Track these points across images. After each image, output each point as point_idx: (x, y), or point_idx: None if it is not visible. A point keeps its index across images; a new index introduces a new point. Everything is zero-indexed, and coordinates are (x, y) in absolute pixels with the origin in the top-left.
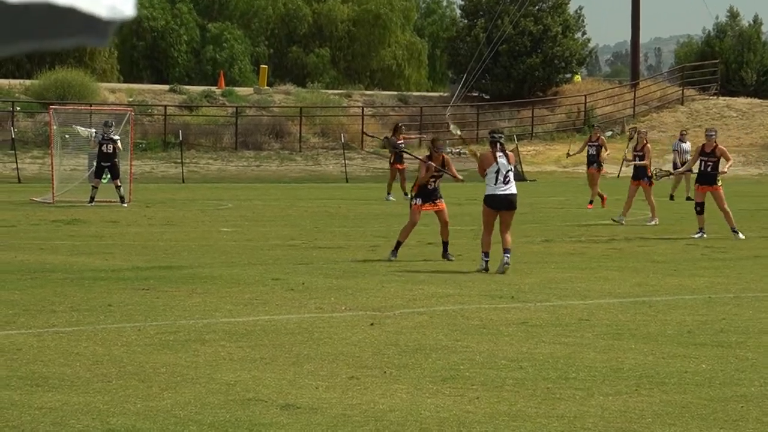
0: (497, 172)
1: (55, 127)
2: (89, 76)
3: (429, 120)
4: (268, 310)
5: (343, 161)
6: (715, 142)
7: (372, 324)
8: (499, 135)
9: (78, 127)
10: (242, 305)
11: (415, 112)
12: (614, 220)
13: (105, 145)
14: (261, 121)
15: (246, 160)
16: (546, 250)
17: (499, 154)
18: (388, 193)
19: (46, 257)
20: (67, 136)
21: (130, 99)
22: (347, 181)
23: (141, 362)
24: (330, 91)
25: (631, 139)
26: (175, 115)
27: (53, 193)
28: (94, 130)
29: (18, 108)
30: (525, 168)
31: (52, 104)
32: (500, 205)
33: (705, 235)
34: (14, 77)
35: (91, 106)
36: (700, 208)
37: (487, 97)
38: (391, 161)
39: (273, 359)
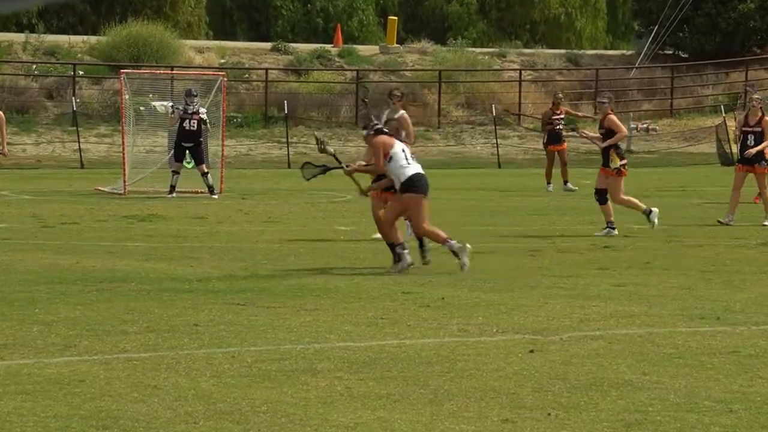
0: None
1: (127, 97)
2: (170, 31)
3: (607, 86)
4: (397, 332)
5: (494, 140)
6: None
7: (532, 351)
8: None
9: (154, 103)
10: (364, 326)
11: (589, 77)
12: None
13: (188, 121)
14: (388, 89)
15: None
16: (764, 256)
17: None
18: (548, 183)
19: (115, 263)
20: (142, 108)
21: (222, 61)
22: (500, 166)
23: (235, 398)
24: (478, 50)
25: None
26: (279, 81)
27: (124, 182)
28: (171, 103)
29: (81, 72)
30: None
31: (124, 68)
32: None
33: None
34: (76, 33)
35: (172, 69)
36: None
37: (685, 55)
38: (545, 142)
39: (404, 396)
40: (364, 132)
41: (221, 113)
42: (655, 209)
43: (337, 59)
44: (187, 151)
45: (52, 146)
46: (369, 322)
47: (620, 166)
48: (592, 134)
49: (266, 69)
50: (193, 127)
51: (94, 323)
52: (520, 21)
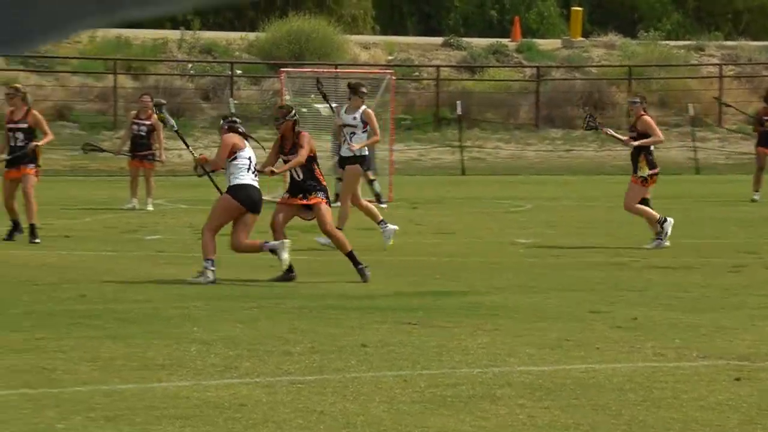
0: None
1: (287, 98)
2: (334, 26)
3: None
4: (584, 356)
5: (691, 143)
6: None
7: (738, 379)
8: (239, 122)
9: (317, 105)
10: (548, 348)
11: None
12: None
13: None
14: (573, 87)
15: (551, 142)
16: None
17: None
18: (756, 190)
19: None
20: (304, 109)
21: (390, 57)
22: (698, 172)
23: (407, 426)
24: (672, 43)
25: None
26: (452, 79)
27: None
28: (334, 104)
29: (238, 71)
30: None
31: (284, 66)
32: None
33: None
34: (233, 29)
35: (336, 67)
36: None
37: None
38: (757, 144)
39: (593, 427)
40: (221, 122)
41: (389, 115)
42: (670, 219)
43: (515, 55)
44: None
45: (209, 151)
46: (553, 344)
47: (648, 175)
48: (618, 134)
49: (437, 66)
50: None
51: (255, 343)
52: (721, 10)
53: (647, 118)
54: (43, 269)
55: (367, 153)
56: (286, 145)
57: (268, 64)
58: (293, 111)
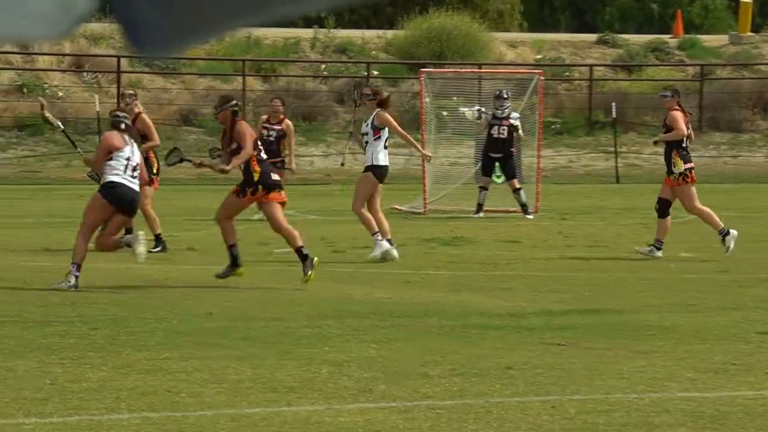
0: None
1: (427, 100)
2: (478, 22)
3: None
4: (753, 381)
5: None
6: None
7: None
8: (123, 116)
9: (463, 109)
10: (711, 372)
11: None
12: None
13: (497, 128)
14: (740, 87)
15: (715, 147)
16: None
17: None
18: None
19: (414, 294)
20: (444, 113)
21: (539, 56)
22: None
23: None
24: None
25: None
26: (606, 79)
27: (424, 199)
28: (477, 107)
29: (375, 72)
30: None
31: (424, 66)
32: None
33: None
34: (369, 27)
35: (480, 67)
36: None
37: None
38: None
39: None
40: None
41: (537, 118)
42: (733, 231)
43: (676, 52)
44: (497, 164)
45: (342, 158)
46: (717, 368)
47: (685, 170)
48: (663, 136)
49: (590, 65)
50: (503, 134)
51: (391, 364)
52: None
53: (675, 113)
54: (168, 284)
55: (385, 163)
56: (227, 138)
57: (407, 64)
58: (233, 101)
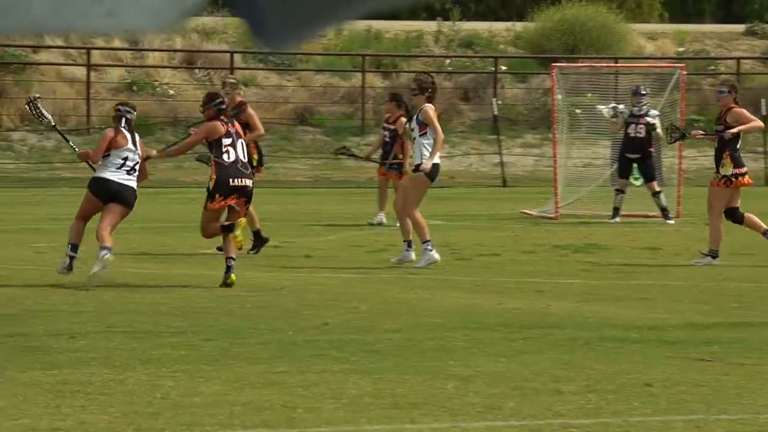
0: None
1: (559, 97)
2: (614, 13)
3: None
4: None
5: None
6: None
7: None
8: (126, 109)
9: (598, 106)
10: None
11: None
12: None
13: (634, 127)
14: None
15: None
16: None
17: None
18: None
19: (545, 305)
20: (578, 111)
21: (681, 49)
22: None
23: None
24: None
25: None
26: (755, 73)
27: (556, 203)
28: (613, 105)
29: (503, 67)
30: None
31: (556, 60)
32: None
33: None
34: (497, 19)
35: (616, 62)
36: None
37: None
38: None
39: None
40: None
41: (678, 116)
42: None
43: None
44: (634, 165)
45: (468, 159)
46: None
47: (732, 175)
48: (704, 133)
49: (737, 58)
50: (641, 133)
51: (520, 380)
52: None
53: (739, 109)
54: (282, 293)
55: (435, 162)
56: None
57: (538, 58)
58: (218, 99)
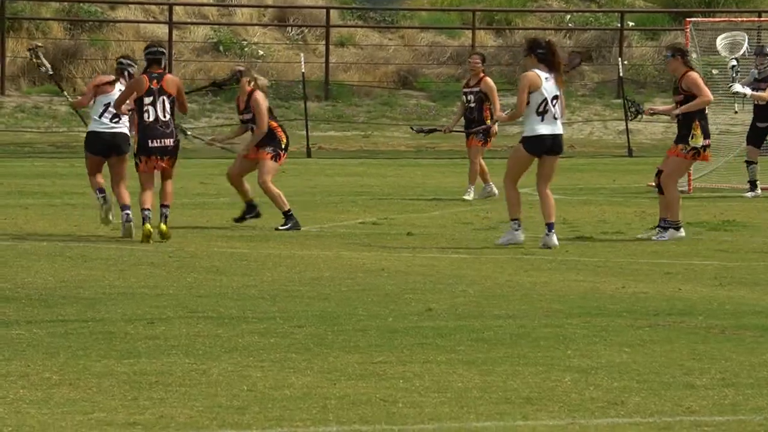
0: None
1: (694, 56)
2: None
3: None
4: None
5: None
6: None
7: None
8: (128, 62)
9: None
10: None
11: None
12: None
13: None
14: None
15: None
16: None
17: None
18: None
19: (676, 289)
20: (714, 71)
21: None
22: None
23: None
24: None
25: None
26: None
27: (689, 176)
28: (734, 64)
29: (630, 23)
30: None
31: (690, 15)
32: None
33: None
34: None
35: (759, 16)
36: None
37: None
38: None
39: None
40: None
41: None
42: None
43: None
44: None
45: (589, 126)
46: None
47: (702, 146)
48: (662, 108)
49: None
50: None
51: (647, 372)
52: None
53: (693, 74)
54: (382, 275)
55: (538, 133)
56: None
57: (670, 12)
58: (151, 48)
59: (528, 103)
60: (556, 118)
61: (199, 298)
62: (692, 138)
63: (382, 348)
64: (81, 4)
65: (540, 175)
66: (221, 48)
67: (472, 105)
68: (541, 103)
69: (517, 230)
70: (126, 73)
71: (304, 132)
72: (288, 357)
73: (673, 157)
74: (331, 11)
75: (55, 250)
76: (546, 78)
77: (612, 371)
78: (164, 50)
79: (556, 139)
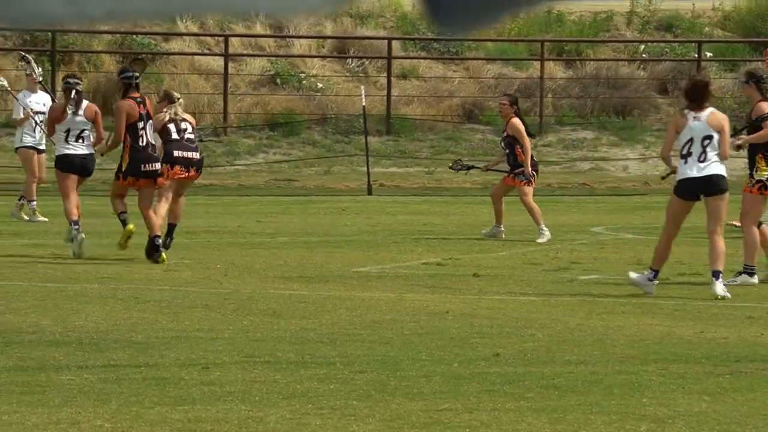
0: (67, 131)
1: None
2: None
3: None
4: None
5: None
6: None
7: None
8: (75, 81)
9: None
10: None
11: None
12: None
13: None
14: None
15: None
16: None
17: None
18: None
19: (759, 333)
20: None
21: None
22: None
23: None
24: None
25: None
26: None
27: None
28: None
29: (708, 54)
30: None
31: None
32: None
33: None
34: None
35: None
36: None
37: None
38: None
39: None
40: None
41: None
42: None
43: None
44: None
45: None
46: None
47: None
48: (744, 137)
49: None
50: None
51: (727, 422)
52: None
53: (764, 104)
54: (446, 318)
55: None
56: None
57: (750, 42)
58: (127, 72)
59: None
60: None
61: (255, 342)
62: (756, 171)
63: (447, 395)
64: (134, 36)
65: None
66: (278, 81)
67: (506, 151)
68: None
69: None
70: (74, 92)
71: (365, 168)
72: (348, 404)
73: (745, 193)
74: (393, 42)
75: (106, 292)
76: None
77: (690, 421)
78: (138, 74)
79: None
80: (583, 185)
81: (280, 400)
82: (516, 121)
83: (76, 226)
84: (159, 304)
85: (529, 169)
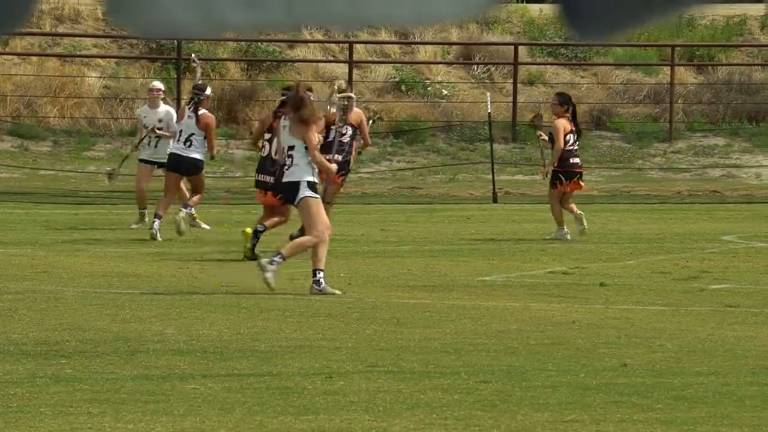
0: (180, 132)
1: None
2: None
3: None
4: None
5: None
6: None
7: None
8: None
9: None
10: None
11: None
12: None
13: None
14: None
15: None
16: None
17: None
18: None
19: None
20: None
21: None
22: None
23: None
24: None
25: None
26: None
27: None
28: None
29: None
30: None
31: None
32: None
33: None
34: None
35: None
36: None
37: None
38: None
39: None
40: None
41: None
42: None
43: None
44: None
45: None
46: None
47: None
48: None
49: None
50: None
51: None
52: None
53: None
54: (573, 328)
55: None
56: None
57: None
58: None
59: None
60: None
61: (378, 352)
62: None
63: (573, 406)
64: (258, 44)
65: None
66: (403, 87)
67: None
68: None
69: None
70: (193, 101)
71: (490, 176)
72: (473, 414)
73: None
74: (520, 48)
75: (230, 301)
76: None
77: None
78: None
79: None
80: (713, 192)
81: (404, 410)
82: (558, 122)
83: (158, 219)
84: (282, 312)
85: (550, 168)
